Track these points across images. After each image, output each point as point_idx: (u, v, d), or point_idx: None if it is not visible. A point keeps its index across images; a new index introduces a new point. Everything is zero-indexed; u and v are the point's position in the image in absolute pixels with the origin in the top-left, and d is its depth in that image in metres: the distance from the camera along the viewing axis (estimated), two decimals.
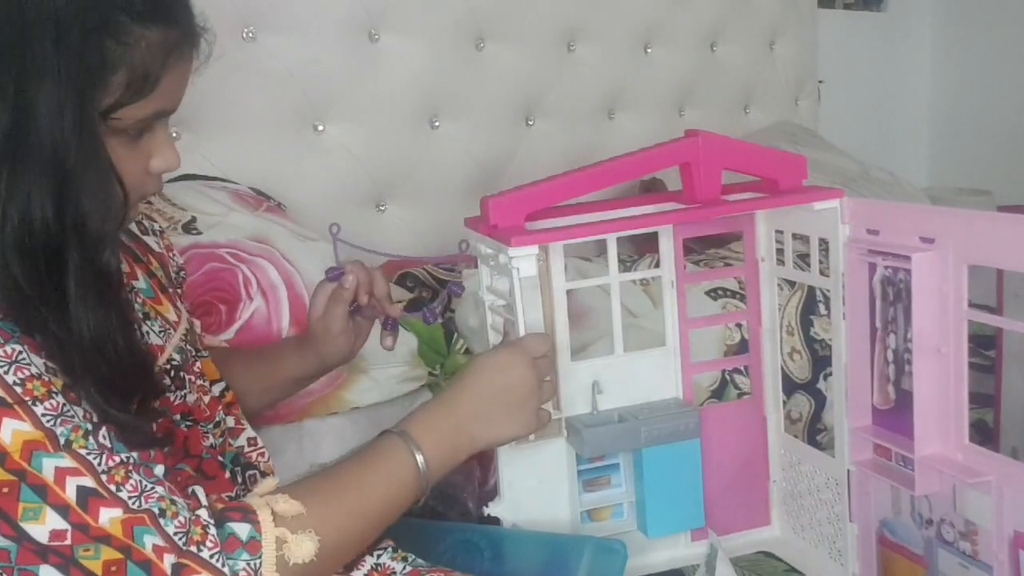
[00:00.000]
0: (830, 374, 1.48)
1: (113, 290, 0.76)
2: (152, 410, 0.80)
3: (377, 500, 0.85)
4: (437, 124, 1.97)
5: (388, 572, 0.95)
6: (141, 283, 0.92)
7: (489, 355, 0.99)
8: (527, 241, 1.03)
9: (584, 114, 2.23)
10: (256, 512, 0.76)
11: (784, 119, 2.67)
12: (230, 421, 0.99)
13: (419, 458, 0.87)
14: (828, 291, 1.15)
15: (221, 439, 0.96)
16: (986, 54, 3.11)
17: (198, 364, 0.96)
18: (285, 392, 1.16)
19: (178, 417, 0.90)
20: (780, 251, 1.22)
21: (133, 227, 0.96)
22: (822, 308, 1.58)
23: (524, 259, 1.03)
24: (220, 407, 0.97)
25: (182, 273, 1.05)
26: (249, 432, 1.02)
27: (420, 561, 0.97)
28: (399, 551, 0.98)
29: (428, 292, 1.60)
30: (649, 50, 2.36)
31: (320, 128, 1.81)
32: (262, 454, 1.02)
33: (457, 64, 1.98)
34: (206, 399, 0.95)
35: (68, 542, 0.69)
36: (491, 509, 1.13)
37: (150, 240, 0.99)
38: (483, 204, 1.09)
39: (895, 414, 1.05)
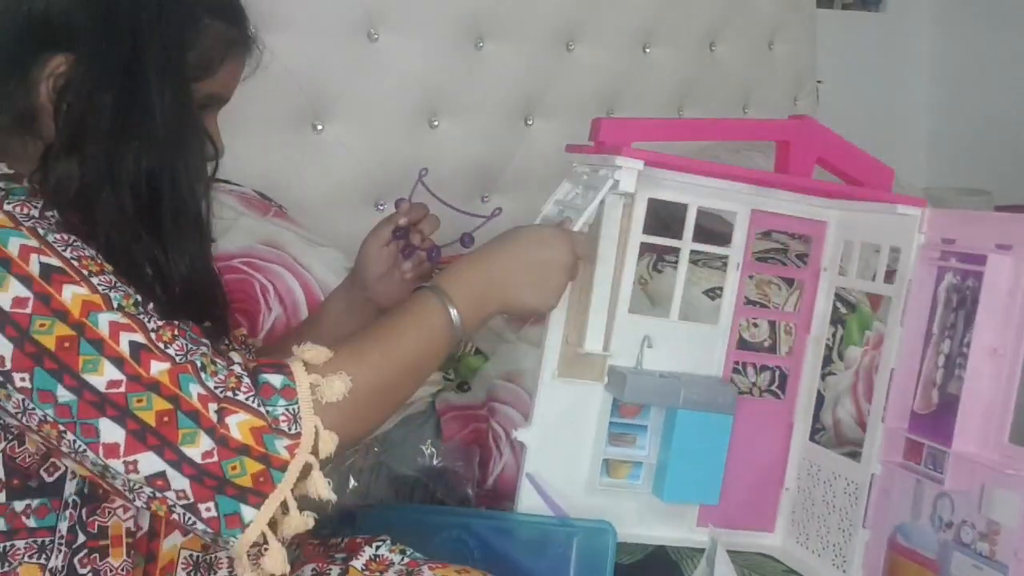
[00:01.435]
0: (828, 373, 1.49)
1: (205, 233, 0.88)
2: (216, 339, 0.87)
3: (410, 348, 0.90)
4: (436, 123, 1.97)
5: (387, 563, 0.97)
6: None
7: (535, 228, 1.05)
8: (636, 155, 1.06)
9: (583, 114, 2.20)
10: (289, 364, 0.82)
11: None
12: None
13: (453, 312, 0.93)
14: (852, 294, 1.15)
15: None
16: (984, 54, 3.11)
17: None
18: (337, 336, 1.19)
19: None
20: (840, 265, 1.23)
21: None
22: None
23: (627, 171, 1.06)
24: None
25: None
26: None
27: (418, 554, 0.99)
28: (397, 544, 0.99)
29: None
30: (648, 50, 2.36)
31: (319, 127, 1.81)
32: None
33: (456, 64, 1.98)
34: None
35: (123, 390, 0.75)
36: (518, 434, 1.15)
37: None
38: (594, 124, 1.15)
39: (933, 419, 1.06)
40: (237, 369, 0.80)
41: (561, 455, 1.16)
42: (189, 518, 0.77)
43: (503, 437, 1.39)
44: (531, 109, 2.13)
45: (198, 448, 0.75)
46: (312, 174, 1.80)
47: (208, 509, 0.76)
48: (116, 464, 0.75)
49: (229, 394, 0.77)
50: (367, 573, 0.97)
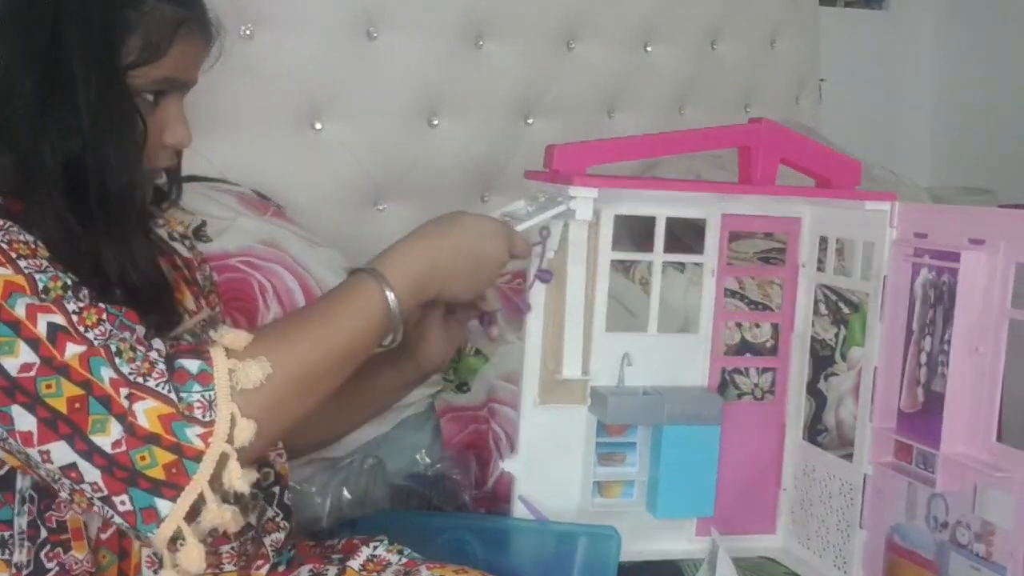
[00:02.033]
0: (831, 374, 1.48)
1: (136, 224, 0.85)
2: (159, 331, 0.84)
3: (343, 333, 0.85)
4: (436, 123, 1.96)
5: (384, 564, 0.97)
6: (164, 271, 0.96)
7: (478, 219, 1.01)
8: (590, 184, 1.05)
9: (584, 112, 2.22)
10: (208, 350, 0.78)
11: (785, 118, 2.65)
12: None
13: (390, 296, 0.88)
14: (830, 291, 1.15)
15: None
16: (988, 52, 3.10)
17: None
18: (381, 406, 1.18)
19: None
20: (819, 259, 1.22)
21: (162, 233, 1.01)
22: (823, 308, 1.57)
23: (583, 201, 1.05)
24: None
25: (213, 284, 1.08)
26: None
27: (415, 554, 0.98)
28: (394, 544, 0.98)
29: None
30: (649, 48, 2.35)
31: (318, 127, 1.80)
32: (280, 454, 1.03)
33: (456, 62, 1.97)
34: None
35: (33, 374, 0.73)
36: (505, 464, 1.14)
37: (177, 245, 1.03)
38: (548, 151, 1.12)
39: (921, 417, 1.05)
40: (153, 355, 0.76)
41: (551, 481, 1.15)
42: (107, 511, 0.74)
43: (503, 438, 1.38)
44: (531, 108, 2.12)
45: (108, 437, 0.72)
46: (311, 174, 1.79)
47: (123, 503, 0.73)
48: (33, 453, 0.73)
49: (140, 380, 0.74)
50: (364, 573, 0.96)
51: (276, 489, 1.01)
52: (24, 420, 0.73)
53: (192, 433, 0.73)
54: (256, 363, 0.77)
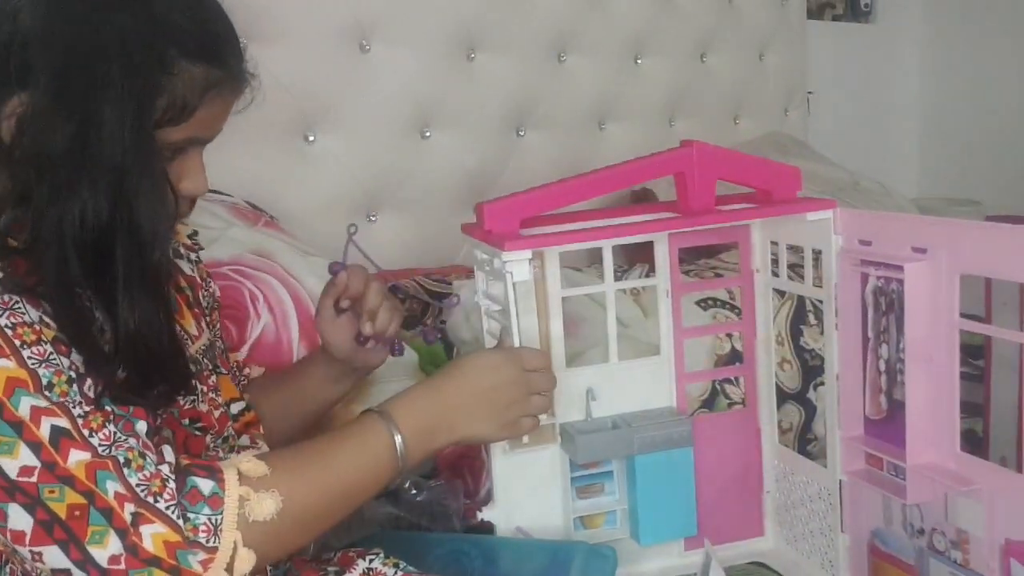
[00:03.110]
0: (820, 384, 1.49)
1: (161, 287, 0.81)
2: (169, 398, 0.83)
3: (348, 474, 0.86)
4: (428, 134, 1.97)
5: None
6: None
7: (483, 354, 1.01)
8: (520, 246, 1.05)
9: (575, 124, 2.23)
10: (222, 471, 0.77)
11: (774, 130, 2.68)
12: (244, 440, 1.00)
13: (397, 439, 0.88)
14: (819, 301, 1.15)
15: (230, 456, 0.95)
16: (974, 64, 3.12)
17: (213, 378, 0.97)
18: (322, 404, 1.16)
19: (186, 422, 0.91)
20: (774, 261, 1.23)
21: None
22: (812, 318, 1.58)
23: (518, 264, 1.04)
24: (230, 423, 0.98)
25: (216, 301, 1.06)
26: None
27: (411, 568, 0.97)
28: (390, 557, 0.98)
29: (418, 304, 1.59)
30: (639, 61, 2.36)
31: (311, 139, 1.81)
32: None
33: (448, 74, 1.98)
34: (216, 413, 0.95)
35: (35, 479, 0.71)
36: (484, 514, 1.14)
37: (182, 263, 1.01)
38: (478, 210, 1.10)
39: (887, 424, 1.05)
40: (165, 470, 0.75)
41: (533, 522, 1.15)
42: None
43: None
44: (523, 120, 2.13)
45: (105, 550, 0.71)
46: (303, 185, 1.80)
47: None
48: (23, 550, 0.72)
49: (150, 499, 0.73)
50: None
51: None
52: (20, 519, 0.72)
53: (194, 560, 0.73)
54: (270, 497, 0.78)
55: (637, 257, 1.61)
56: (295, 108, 1.78)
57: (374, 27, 1.86)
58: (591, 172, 1.16)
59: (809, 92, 2.87)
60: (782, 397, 1.53)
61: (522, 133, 2.13)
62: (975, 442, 1.35)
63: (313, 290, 1.43)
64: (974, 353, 1.36)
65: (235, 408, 1.01)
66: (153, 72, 0.78)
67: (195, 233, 1.10)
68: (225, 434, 0.96)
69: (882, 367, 1.05)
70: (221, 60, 0.84)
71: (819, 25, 2.99)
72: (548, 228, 1.13)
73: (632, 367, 1.20)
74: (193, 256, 1.05)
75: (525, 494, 1.15)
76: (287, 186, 1.77)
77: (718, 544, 1.21)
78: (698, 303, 1.57)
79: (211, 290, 1.06)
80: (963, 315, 0.98)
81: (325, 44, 1.81)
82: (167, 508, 0.74)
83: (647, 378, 1.20)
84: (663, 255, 1.20)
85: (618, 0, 2.28)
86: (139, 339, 0.78)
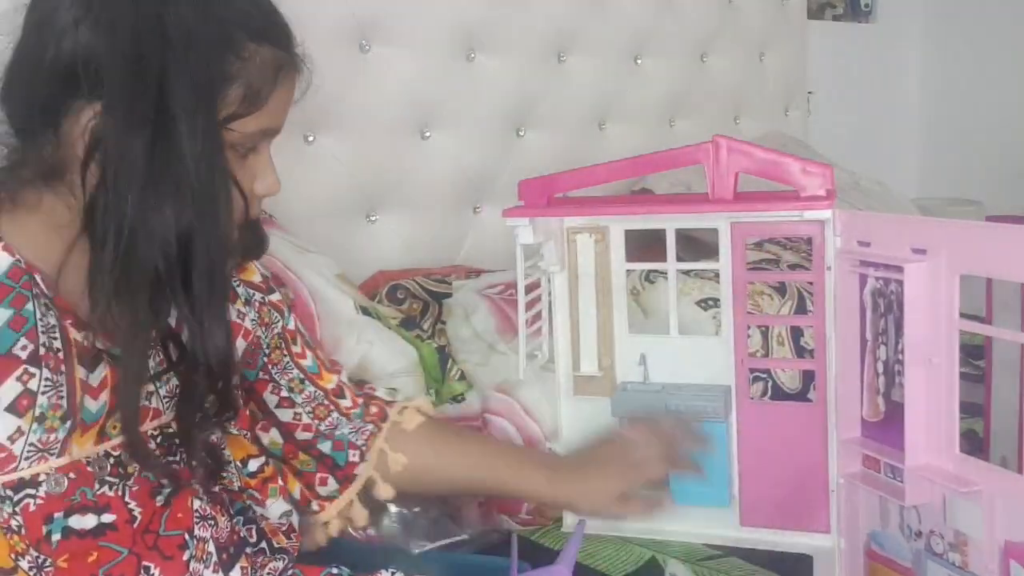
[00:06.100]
0: None
1: (222, 301, 0.80)
2: (219, 424, 0.86)
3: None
4: (428, 135, 1.97)
5: None
6: None
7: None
8: (516, 214, 1.22)
9: (575, 125, 2.23)
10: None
11: (774, 130, 2.68)
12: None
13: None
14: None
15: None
16: (974, 64, 3.13)
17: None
18: (489, 493, 1.24)
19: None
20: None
21: (240, 293, 1.00)
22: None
23: (521, 229, 1.20)
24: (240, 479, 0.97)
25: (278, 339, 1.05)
26: (283, 507, 0.99)
27: None
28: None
29: (418, 304, 1.59)
30: (639, 61, 2.36)
31: (311, 139, 1.81)
32: (288, 534, 0.99)
33: (448, 75, 1.98)
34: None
35: None
36: (551, 446, 1.30)
37: (250, 311, 1.01)
38: (520, 186, 1.26)
39: (884, 427, 1.05)
40: None
41: None
42: None
43: None
44: (523, 120, 2.13)
45: None
46: (303, 185, 1.79)
47: None
48: None
49: None
50: None
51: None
52: None
53: None
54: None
55: (634, 260, 1.61)
56: (294, 108, 1.77)
57: (374, 27, 1.86)
58: (622, 160, 1.25)
59: (809, 92, 2.87)
60: (782, 397, 1.52)
61: (522, 133, 2.13)
62: (976, 442, 1.34)
63: (313, 285, 1.43)
64: (975, 354, 1.36)
65: (253, 465, 0.98)
66: (224, 58, 0.77)
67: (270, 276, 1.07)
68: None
69: (880, 369, 1.05)
70: (285, 41, 0.84)
71: (819, 25, 2.99)
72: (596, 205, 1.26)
73: (690, 342, 1.28)
74: (265, 301, 1.04)
75: (583, 435, 1.27)
76: (286, 185, 1.73)
77: (775, 528, 1.22)
78: (698, 303, 1.57)
79: (283, 322, 1.05)
80: (963, 315, 0.97)
81: (325, 44, 1.79)
82: None
83: (705, 355, 1.25)
84: (726, 243, 1.21)
85: (618, 0, 2.28)
86: (207, 352, 0.77)
